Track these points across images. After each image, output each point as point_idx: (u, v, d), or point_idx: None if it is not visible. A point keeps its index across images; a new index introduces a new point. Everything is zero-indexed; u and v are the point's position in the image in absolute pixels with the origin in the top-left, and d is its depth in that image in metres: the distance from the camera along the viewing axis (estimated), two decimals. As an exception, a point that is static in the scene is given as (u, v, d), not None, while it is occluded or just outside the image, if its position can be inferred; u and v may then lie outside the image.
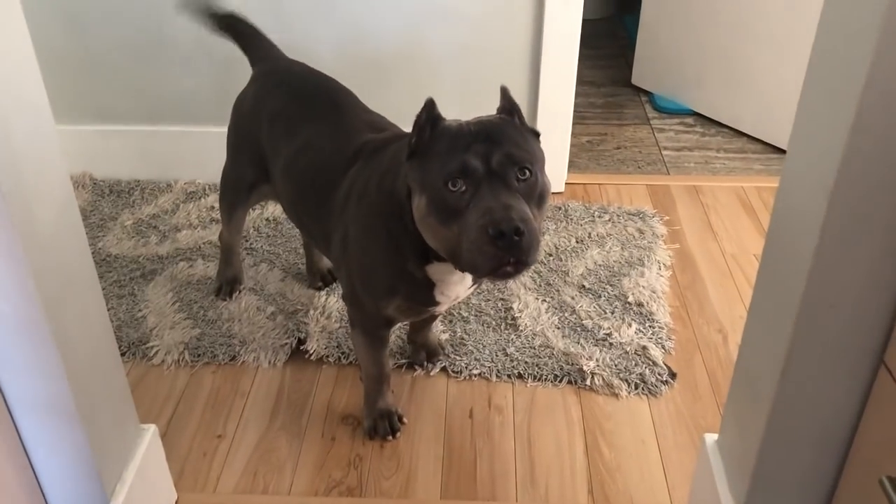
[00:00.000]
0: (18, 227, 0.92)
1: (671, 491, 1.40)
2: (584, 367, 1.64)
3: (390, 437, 1.50)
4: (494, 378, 1.65)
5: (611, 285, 1.88)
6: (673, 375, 1.64)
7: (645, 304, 1.82)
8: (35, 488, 1.14)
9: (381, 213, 1.25)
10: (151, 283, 1.90)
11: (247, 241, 2.05)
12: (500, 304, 1.83)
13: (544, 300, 1.84)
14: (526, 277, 1.91)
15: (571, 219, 2.13)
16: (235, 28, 1.71)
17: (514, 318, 1.78)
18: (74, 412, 1.06)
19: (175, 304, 1.84)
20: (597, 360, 1.66)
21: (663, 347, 1.70)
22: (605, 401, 1.60)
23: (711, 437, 1.26)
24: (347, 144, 1.39)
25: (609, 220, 2.13)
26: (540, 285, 1.89)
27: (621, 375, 1.63)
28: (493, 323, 1.78)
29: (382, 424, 1.51)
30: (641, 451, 1.48)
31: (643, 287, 1.87)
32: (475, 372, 1.66)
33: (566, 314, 1.80)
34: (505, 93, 1.19)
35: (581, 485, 1.42)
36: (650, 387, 1.61)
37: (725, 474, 1.19)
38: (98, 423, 1.13)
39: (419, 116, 1.14)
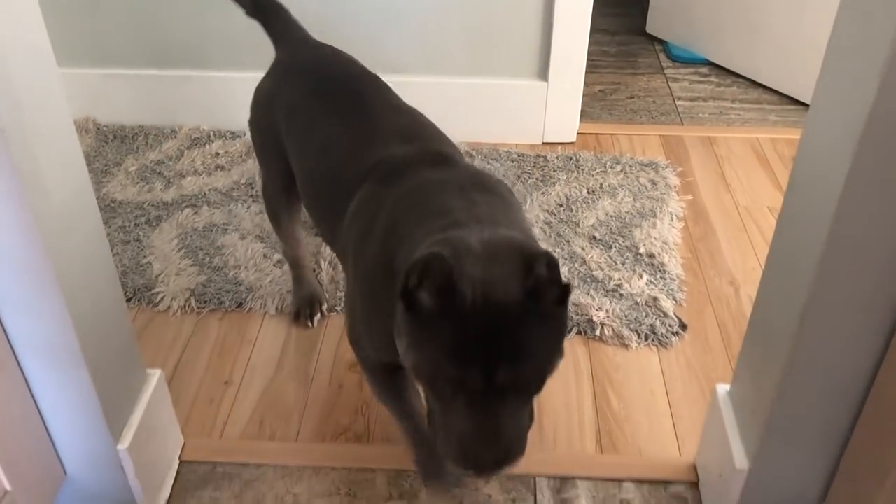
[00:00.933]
0: (19, 167, 0.89)
1: (680, 442, 1.39)
2: (594, 318, 1.62)
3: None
4: (503, 328, 1.63)
5: (622, 236, 1.85)
6: (683, 327, 1.62)
7: (656, 255, 1.79)
8: (42, 432, 1.14)
9: (377, 279, 1.04)
10: (157, 230, 1.88)
11: (251, 188, 2.03)
12: (509, 255, 1.80)
13: (554, 251, 1.81)
14: (536, 227, 1.89)
15: (583, 169, 2.09)
16: (258, 4, 1.53)
17: (523, 269, 1.76)
18: (80, 355, 1.05)
19: (181, 250, 1.82)
20: (607, 311, 1.64)
21: (674, 299, 1.68)
22: (615, 352, 1.58)
23: (723, 388, 1.24)
24: (363, 157, 1.18)
25: (621, 170, 2.09)
26: (550, 236, 1.86)
27: (631, 326, 1.61)
28: (502, 273, 1.75)
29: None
30: (650, 402, 1.47)
31: (655, 238, 1.84)
32: (484, 322, 1.64)
33: (576, 265, 1.77)
34: (553, 266, 0.85)
35: (589, 435, 1.41)
36: (660, 338, 1.59)
37: (737, 425, 1.18)
38: (103, 366, 1.11)
39: (435, 268, 0.84)
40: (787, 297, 1.02)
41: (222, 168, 2.11)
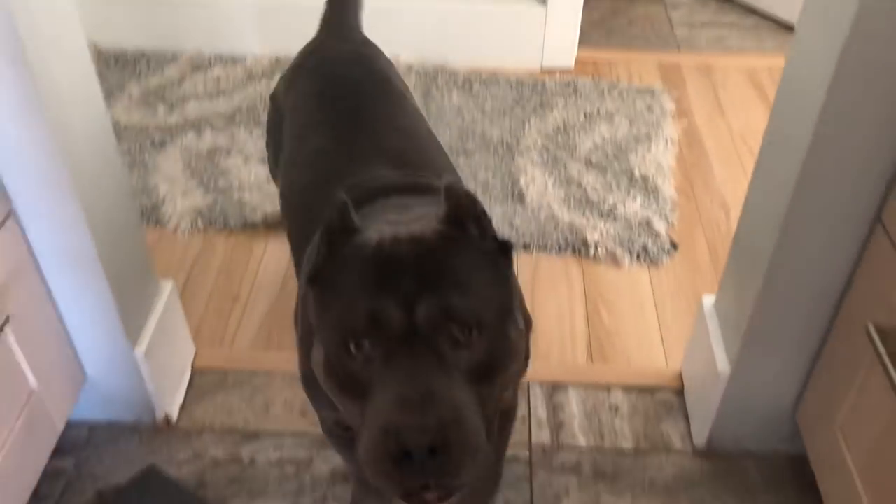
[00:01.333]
0: (38, 82, 0.93)
1: (667, 352, 1.47)
2: (588, 238, 1.68)
3: None
4: (500, 248, 1.69)
5: (617, 160, 1.90)
6: (674, 247, 1.68)
7: (650, 178, 1.84)
8: (64, 337, 1.20)
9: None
10: (162, 153, 1.92)
11: (253, 112, 2.05)
12: (507, 179, 1.85)
13: (551, 174, 1.86)
14: (534, 151, 1.93)
15: (580, 94, 2.12)
16: None
17: (520, 192, 1.81)
18: (97, 263, 1.11)
19: (186, 172, 1.86)
20: (601, 231, 1.70)
21: (667, 220, 1.74)
22: (607, 270, 1.65)
23: (709, 299, 1.31)
24: (342, 178, 1.01)
25: (618, 96, 2.12)
26: (547, 160, 1.91)
27: (624, 246, 1.67)
28: (500, 196, 1.80)
29: None
30: (640, 316, 1.54)
31: (649, 162, 1.88)
32: (481, 241, 1.70)
33: (572, 188, 1.82)
34: (450, 192, 0.75)
35: (581, 347, 1.49)
36: (651, 257, 1.66)
37: (721, 333, 1.24)
38: (120, 274, 1.17)
39: (329, 221, 0.75)
40: (768, 210, 1.07)
41: (224, 93, 2.13)
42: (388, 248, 0.73)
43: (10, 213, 1.05)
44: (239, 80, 2.18)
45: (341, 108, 1.15)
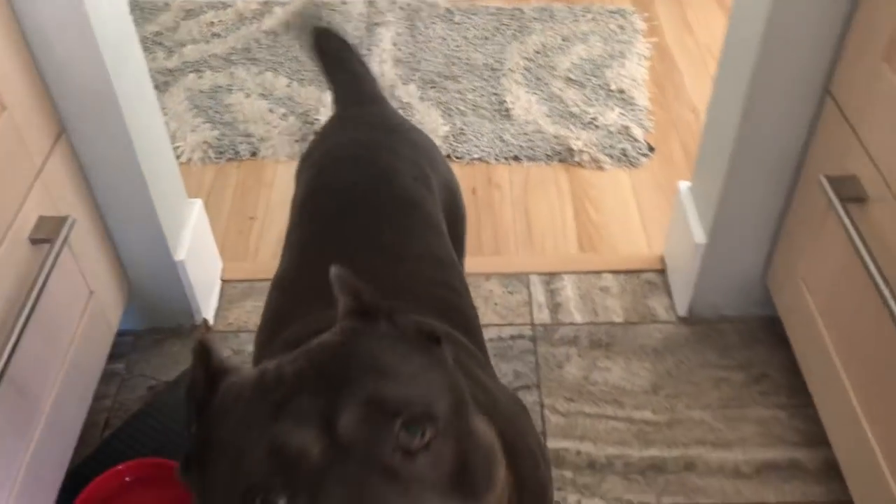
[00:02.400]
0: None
1: (649, 239, 1.63)
2: (573, 146, 1.83)
3: None
4: (493, 161, 1.83)
5: (595, 76, 2.04)
6: (651, 149, 1.83)
7: (626, 90, 1.98)
8: (112, 251, 1.33)
9: None
10: (166, 94, 2.03)
11: (248, 52, 2.16)
12: (493, 99, 1.98)
13: (534, 93, 2.00)
14: (517, 73, 2.06)
15: (556, 19, 2.25)
16: (322, 47, 1.22)
17: (507, 110, 1.95)
18: (142, 175, 1.24)
19: (192, 110, 1.98)
20: (584, 140, 1.84)
21: (643, 126, 1.89)
22: (592, 173, 1.80)
23: (685, 184, 1.47)
24: (292, 319, 0.84)
25: (592, 18, 2.25)
26: (530, 80, 2.04)
27: (606, 151, 1.82)
28: (489, 115, 1.94)
29: None
30: (623, 211, 1.70)
31: (624, 76, 2.03)
32: (475, 156, 1.84)
33: (555, 104, 1.96)
34: (341, 281, 0.59)
35: (571, 240, 1.64)
36: (631, 159, 1.81)
37: (696, 210, 1.40)
38: (159, 189, 1.30)
39: (191, 379, 0.57)
40: (732, 93, 1.22)
41: (218, 35, 2.24)
42: (275, 370, 0.53)
43: (63, 132, 1.17)
44: (231, 22, 2.28)
45: (315, 225, 0.97)
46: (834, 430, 1.17)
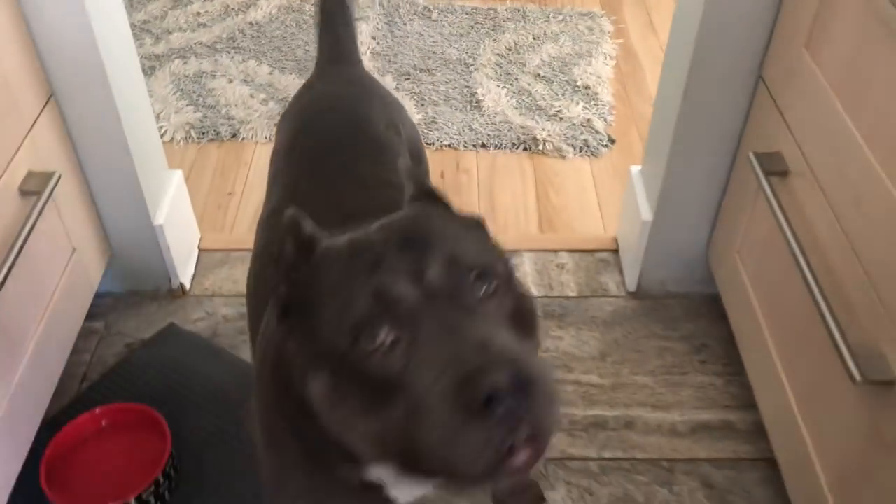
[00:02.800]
0: None
1: (605, 223, 1.73)
2: (538, 136, 1.93)
3: None
4: (462, 148, 1.93)
5: (562, 73, 2.14)
6: (612, 141, 1.94)
7: (591, 87, 2.09)
8: (95, 213, 1.41)
9: (281, 403, 0.75)
10: (152, 78, 2.12)
11: (233, 41, 2.25)
12: (465, 91, 2.08)
13: (504, 87, 2.10)
14: (488, 68, 2.16)
15: (529, 19, 2.35)
16: (324, 2, 1.29)
17: (478, 102, 2.05)
18: (126, 141, 1.32)
19: (176, 93, 2.06)
20: (548, 131, 1.94)
21: (605, 120, 1.99)
22: (554, 162, 1.90)
23: (636, 168, 1.57)
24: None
25: (563, 19, 2.36)
26: (500, 75, 2.14)
27: (568, 141, 1.92)
28: (460, 105, 2.04)
29: None
30: (582, 196, 1.80)
31: (591, 73, 2.13)
32: (445, 143, 1.93)
33: (523, 97, 2.06)
34: (408, 171, 0.73)
35: (532, 221, 1.74)
36: (592, 150, 1.91)
37: (645, 190, 1.50)
38: (141, 155, 1.39)
39: (283, 246, 0.66)
40: (674, 82, 1.33)
41: (204, 25, 2.32)
42: (365, 236, 0.64)
43: (52, 95, 1.26)
44: (217, 13, 2.37)
45: (304, 164, 1.06)
46: (760, 392, 1.26)
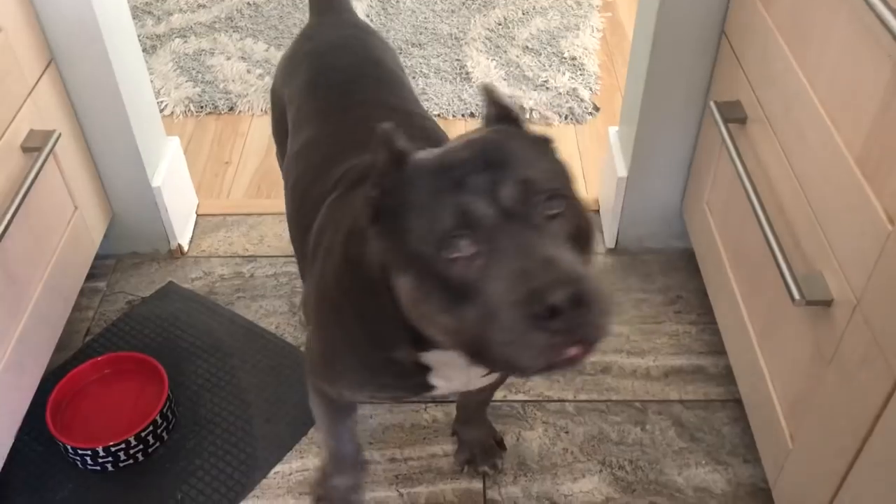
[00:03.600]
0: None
1: (587, 185, 1.79)
2: (525, 105, 1.99)
3: None
4: (451, 117, 2.00)
5: (550, 45, 2.20)
6: (596, 109, 2.00)
7: (578, 58, 2.14)
8: (95, 175, 1.49)
9: (348, 291, 0.87)
10: (153, 56, 2.19)
11: (231, 21, 2.32)
12: (455, 64, 2.14)
13: (493, 59, 2.16)
14: (478, 42, 2.22)
15: (519, -5, 2.42)
16: None
17: (467, 74, 2.11)
18: (124, 105, 1.39)
19: (176, 70, 2.14)
20: (535, 100, 2.01)
21: (590, 89, 2.05)
22: (540, 129, 1.95)
23: (614, 129, 1.63)
24: (337, 164, 1.03)
25: (551, -6, 2.42)
26: (490, 48, 2.20)
27: (554, 110, 1.98)
28: (450, 77, 2.10)
29: None
30: (565, 159, 1.86)
31: (577, 46, 2.19)
32: (435, 113, 2.00)
33: (511, 69, 2.12)
34: (492, 94, 0.79)
35: (518, 185, 1.80)
36: (577, 117, 1.97)
37: (621, 148, 1.56)
38: (140, 119, 1.46)
39: (376, 156, 0.74)
40: (643, 41, 1.38)
41: (203, 6, 2.40)
42: (451, 153, 0.72)
43: (52, 59, 1.33)
44: (216, -6, 2.44)
45: (332, 96, 1.14)
46: (727, 335, 1.32)
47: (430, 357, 0.84)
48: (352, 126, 1.08)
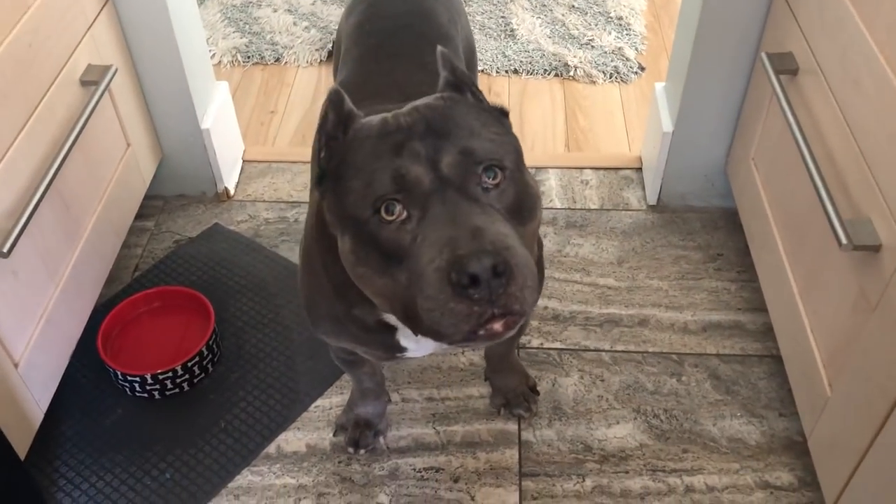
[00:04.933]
0: None
1: (630, 143, 1.79)
2: (569, 63, 1.98)
3: (351, 450, 1.25)
4: (494, 73, 2.00)
5: (596, 5, 2.18)
6: (642, 69, 1.98)
7: (624, 17, 2.13)
8: (147, 116, 1.52)
9: (316, 243, 0.88)
10: (202, 7, 2.22)
11: (279, -25, 2.34)
12: (500, 21, 2.14)
13: (539, 17, 2.15)
14: (525, 0, 2.21)
15: (566, -45, 2.39)
16: None
17: (512, 31, 2.10)
18: (176, 46, 1.42)
19: (224, 21, 2.16)
20: (580, 58, 2.00)
21: (636, 49, 2.03)
22: (584, 87, 1.95)
23: (660, 85, 1.62)
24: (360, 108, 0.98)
25: (600, -45, 2.39)
26: (536, 6, 2.19)
27: (599, 68, 1.97)
28: (495, 34, 2.10)
29: (352, 435, 1.25)
30: (610, 119, 1.86)
31: (624, 5, 2.17)
32: (479, 69, 2.00)
33: (557, 27, 2.11)
34: (446, 59, 0.79)
35: (560, 142, 1.80)
36: (622, 76, 1.96)
37: (667, 103, 1.56)
38: (191, 62, 1.48)
39: (323, 117, 0.75)
40: (699, -8, 1.37)
41: (251, -41, 2.41)
42: (394, 119, 0.73)
43: (108, 2, 1.36)
44: (264, -52, 2.45)
45: (371, 43, 1.15)
46: (768, 288, 1.32)
47: (387, 317, 0.86)
48: (377, 78, 1.08)
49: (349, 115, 0.75)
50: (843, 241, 0.93)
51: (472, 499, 1.20)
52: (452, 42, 1.20)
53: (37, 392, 1.14)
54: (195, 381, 1.33)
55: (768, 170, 1.32)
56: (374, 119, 0.74)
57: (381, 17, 1.20)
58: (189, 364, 1.31)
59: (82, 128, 1.21)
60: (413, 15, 1.19)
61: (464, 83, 0.78)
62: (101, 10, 1.33)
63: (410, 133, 0.70)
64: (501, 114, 0.78)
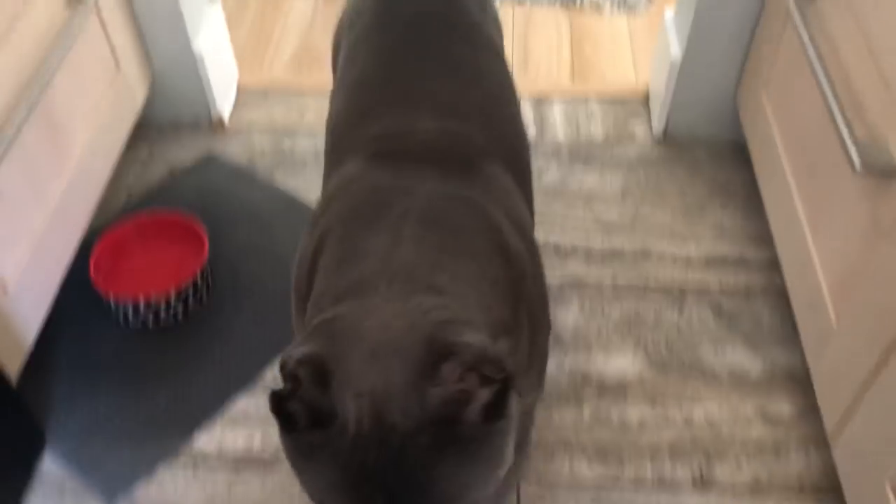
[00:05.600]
0: None
1: (637, 74, 1.73)
2: (576, -9, 1.92)
3: None
4: (499, 2, 1.93)
5: (605, -68, 2.11)
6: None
7: (634, -55, 2.05)
8: (137, 36, 1.47)
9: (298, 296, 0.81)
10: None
11: None
12: (505, -52, 2.06)
13: (545, -56, 2.07)
14: None
15: None
16: None
17: (517, -42, 2.03)
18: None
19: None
20: (586, -13, 1.93)
21: (645, -23, 1.97)
22: (591, 17, 1.89)
23: (670, 13, 1.56)
24: (376, 117, 0.89)
25: None
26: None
27: (606, -3, 1.91)
28: (499, -38, 2.03)
29: None
30: (617, 49, 1.80)
31: (634, -68, 2.09)
32: (482, -3, 1.93)
33: (563, -45, 2.04)
34: (441, 369, 0.58)
35: (565, 72, 1.75)
36: (630, 5, 1.90)
37: (676, 30, 1.50)
38: (181, -21, 1.43)
39: (296, 381, 0.59)
40: None
41: None
42: (365, 447, 0.58)
43: None
44: None
45: (396, 36, 0.98)
46: (775, 222, 1.29)
47: None
48: (407, 78, 0.92)
49: (324, 373, 0.59)
50: (858, 165, 0.90)
51: (469, 428, 1.18)
52: (483, 32, 1.03)
53: (27, 315, 1.12)
54: (189, 311, 1.31)
55: (780, 97, 1.27)
56: (349, 421, 0.57)
57: (403, 8, 1.02)
58: (183, 292, 1.28)
59: (70, 46, 1.17)
60: (442, 10, 1.01)
61: (462, 398, 0.58)
62: (87, -79, 1.27)
63: (379, 475, 0.57)
64: (490, 413, 0.59)
